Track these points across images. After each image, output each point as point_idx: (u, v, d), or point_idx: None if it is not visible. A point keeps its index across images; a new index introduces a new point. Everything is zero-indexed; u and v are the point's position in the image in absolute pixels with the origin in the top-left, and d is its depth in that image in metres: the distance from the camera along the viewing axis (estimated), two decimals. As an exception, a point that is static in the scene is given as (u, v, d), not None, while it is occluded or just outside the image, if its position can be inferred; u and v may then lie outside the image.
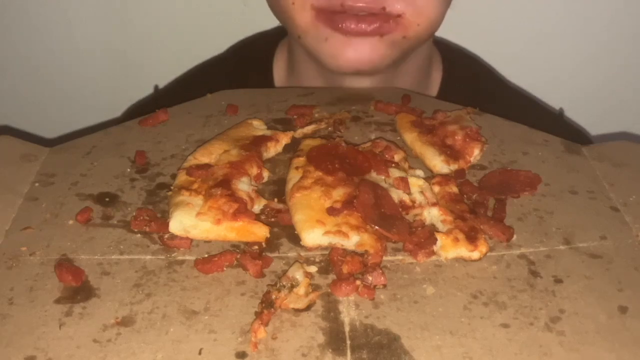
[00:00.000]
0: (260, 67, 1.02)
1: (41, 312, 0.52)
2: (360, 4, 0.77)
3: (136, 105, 1.15)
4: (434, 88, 0.99)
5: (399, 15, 0.79)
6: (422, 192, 0.62)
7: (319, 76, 0.91)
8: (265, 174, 0.67)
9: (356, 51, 0.80)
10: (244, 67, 1.04)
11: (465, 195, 0.64)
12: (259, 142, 0.69)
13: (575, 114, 1.17)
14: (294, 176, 0.64)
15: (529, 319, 0.52)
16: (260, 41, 1.10)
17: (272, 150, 0.71)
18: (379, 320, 0.52)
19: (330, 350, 0.49)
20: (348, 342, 0.50)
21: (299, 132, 0.74)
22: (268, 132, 0.72)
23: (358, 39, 0.79)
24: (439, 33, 0.89)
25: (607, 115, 1.25)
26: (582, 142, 0.75)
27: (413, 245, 0.57)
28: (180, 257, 0.58)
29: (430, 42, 0.95)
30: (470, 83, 1.00)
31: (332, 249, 0.57)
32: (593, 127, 1.20)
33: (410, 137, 0.72)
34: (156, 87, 1.18)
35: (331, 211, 0.59)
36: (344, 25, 0.78)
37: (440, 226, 0.60)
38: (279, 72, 1.01)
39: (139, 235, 0.60)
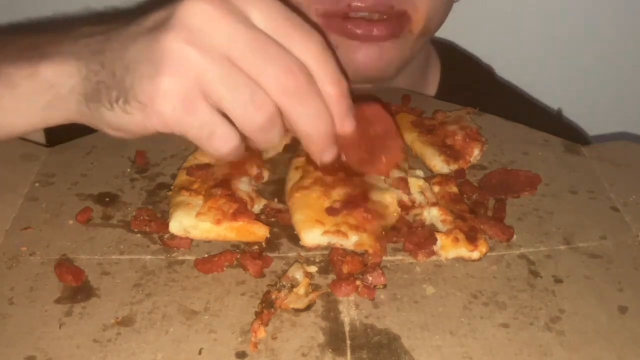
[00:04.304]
0: None
1: (41, 312, 0.52)
2: (368, 3, 0.76)
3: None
4: (432, 89, 0.98)
5: (404, 13, 0.78)
6: (422, 192, 0.62)
7: None
8: (265, 174, 0.67)
9: (367, 56, 0.78)
10: None
11: (465, 195, 0.64)
12: (259, 142, 0.69)
13: (575, 114, 1.17)
14: (293, 176, 0.64)
15: (529, 319, 0.52)
16: None
17: (272, 150, 0.70)
18: (379, 320, 0.52)
19: (330, 350, 0.49)
20: (348, 342, 0.50)
21: (299, 132, 0.73)
22: (268, 132, 0.71)
23: (369, 44, 0.78)
24: (439, 33, 0.89)
25: (606, 115, 1.25)
26: (580, 142, 0.75)
27: (413, 245, 0.57)
28: (180, 257, 0.58)
29: (427, 42, 0.94)
30: (468, 83, 1.00)
31: (332, 249, 0.57)
32: (593, 127, 1.19)
33: (410, 137, 0.72)
34: None
35: (330, 211, 0.59)
36: (355, 30, 0.76)
37: (440, 226, 0.60)
38: None
39: (139, 235, 0.60)
